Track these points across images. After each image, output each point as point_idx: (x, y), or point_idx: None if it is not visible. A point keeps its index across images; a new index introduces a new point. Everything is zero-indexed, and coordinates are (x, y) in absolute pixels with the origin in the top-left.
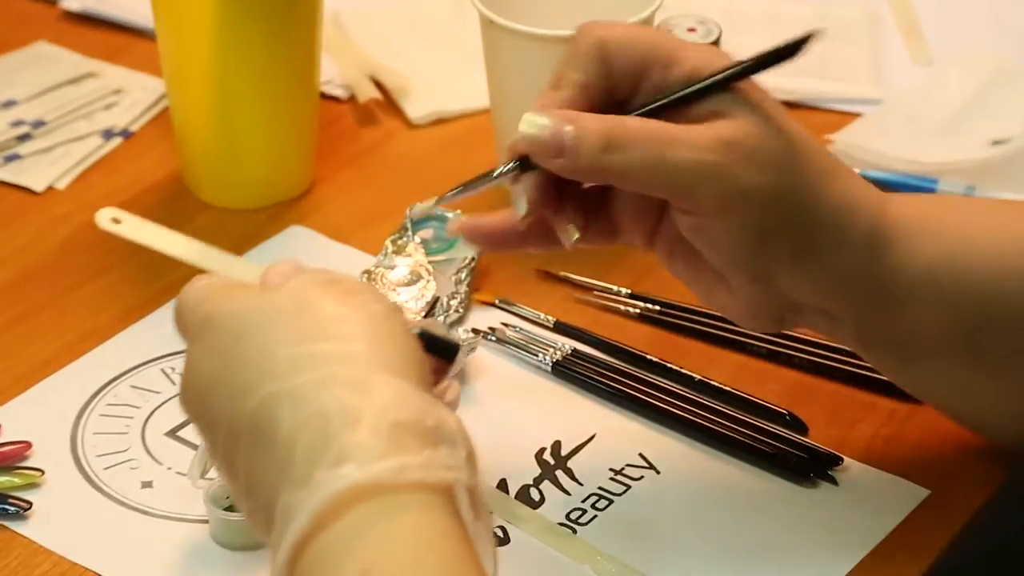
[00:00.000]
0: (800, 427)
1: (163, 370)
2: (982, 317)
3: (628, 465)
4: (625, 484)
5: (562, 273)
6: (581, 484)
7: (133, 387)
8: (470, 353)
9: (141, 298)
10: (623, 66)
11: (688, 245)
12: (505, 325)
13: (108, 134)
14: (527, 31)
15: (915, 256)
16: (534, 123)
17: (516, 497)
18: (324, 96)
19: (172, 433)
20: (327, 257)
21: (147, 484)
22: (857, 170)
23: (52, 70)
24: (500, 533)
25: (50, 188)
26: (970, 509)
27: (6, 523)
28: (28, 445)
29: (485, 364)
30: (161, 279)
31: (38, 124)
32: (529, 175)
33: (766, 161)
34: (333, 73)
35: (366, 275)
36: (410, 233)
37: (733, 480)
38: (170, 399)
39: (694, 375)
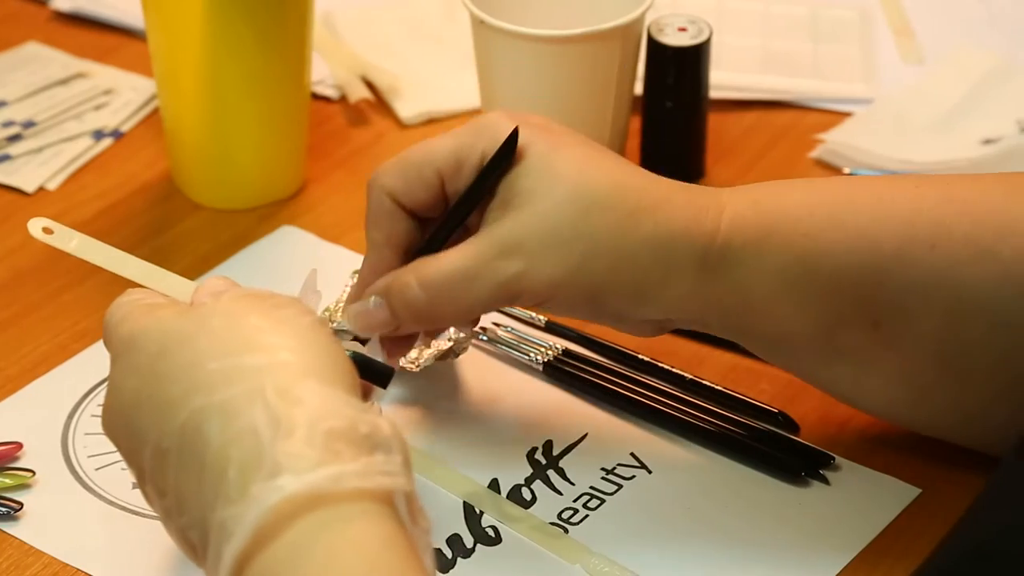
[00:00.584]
0: (792, 426)
1: None
2: (839, 314)
3: (620, 465)
4: (617, 484)
5: None
6: (573, 484)
7: None
8: (462, 353)
9: None
10: (420, 198)
11: None
12: (496, 325)
13: (99, 134)
14: (518, 31)
15: (764, 267)
16: (351, 311)
17: (507, 497)
18: (315, 96)
19: None
20: (318, 257)
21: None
22: (848, 170)
23: (42, 70)
24: (492, 533)
25: (41, 189)
26: (961, 508)
27: None
28: (19, 446)
29: (476, 364)
30: None
31: (28, 125)
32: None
33: (557, 248)
34: (324, 73)
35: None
36: None
37: (725, 479)
38: None
39: (686, 375)
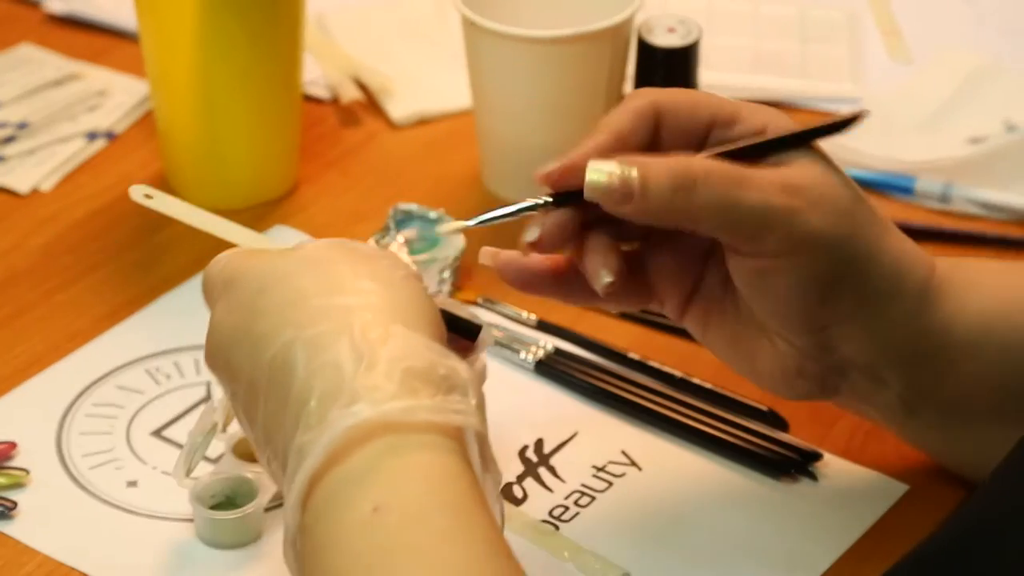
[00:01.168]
0: (781, 424)
1: (147, 370)
2: None
3: (610, 462)
4: (607, 481)
5: None
6: (564, 481)
7: (118, 387)
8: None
9: (126, 299)
10: (681, 126)
11: (727, 306)
12: (488, 323)
13: (92, 136)
14: (509, 32)
15: (966, 311)
16: (600, 170)
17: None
18: (307, 97)
19: (157, 433)
20: None
21: (132, 483)
22: None
23: (36, 72)
24: None
25: (35, 190)
26: (948, 505)
27: None
28: (13, 445)
29: None
30: (145, 280)
31: (22, 126)
32: (556, 212)
33: (833, 208)
34: (316, 74)
35: None
36: (393, 233)
37: (715, 476)
38: (155, 399)
39: (676, 373)
